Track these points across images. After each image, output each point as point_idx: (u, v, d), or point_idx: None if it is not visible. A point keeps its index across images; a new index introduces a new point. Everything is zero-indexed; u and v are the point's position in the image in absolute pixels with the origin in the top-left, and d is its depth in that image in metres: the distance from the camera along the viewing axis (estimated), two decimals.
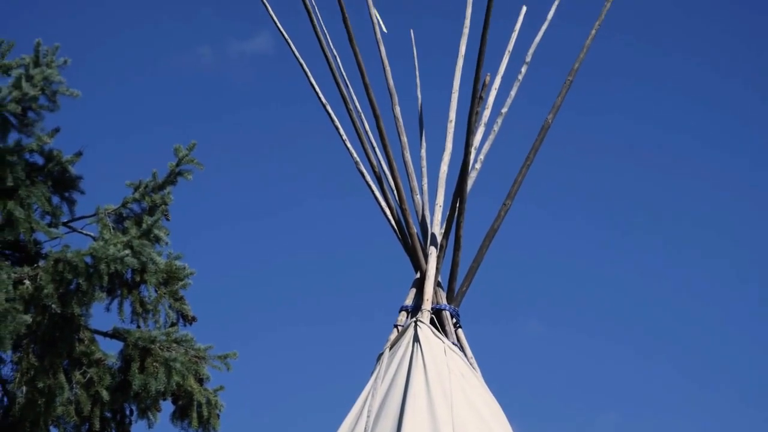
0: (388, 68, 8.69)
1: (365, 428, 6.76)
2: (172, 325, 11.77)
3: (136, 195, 11.76)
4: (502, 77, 8.69)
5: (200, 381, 11.54)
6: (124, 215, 11.79)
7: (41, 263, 11.15)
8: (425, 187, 8.30)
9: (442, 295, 7.67)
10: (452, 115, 8.44)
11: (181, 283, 11.78)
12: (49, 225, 11.49)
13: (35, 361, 11.05)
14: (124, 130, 26.30)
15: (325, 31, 8.62)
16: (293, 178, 26.56)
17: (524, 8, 9.11)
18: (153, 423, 11.65)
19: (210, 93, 27.27)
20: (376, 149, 8.29)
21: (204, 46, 28.05)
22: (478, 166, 8.20)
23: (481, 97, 7.35)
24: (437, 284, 7.70)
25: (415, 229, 7.92)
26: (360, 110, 8.45)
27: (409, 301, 7.69)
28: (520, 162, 8.08)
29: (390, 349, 7.34)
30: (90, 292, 10.94)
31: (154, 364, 11.27)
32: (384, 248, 22.97)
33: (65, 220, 11.84)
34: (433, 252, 7.79)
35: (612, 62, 25.04)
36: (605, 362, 24.29)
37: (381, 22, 8.89)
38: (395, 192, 8.05)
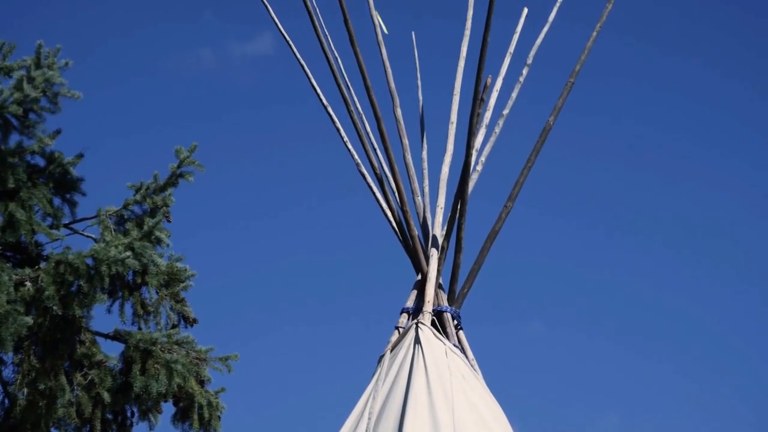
0: (389, 70, 8.69)
1: (366, 430, 6.75)
2: (173, 326, 11.76)
3: (138, 197, 11.75)
4: (504, 79, 8.69)
5: (201, 383, 11.53)
6: (126, 217, 11.79)
7: (42, 265, 11.15)
8: (426, 188, 8.30)
9: (443, 297, 7.67)
10: (453, 117, 8.44)
11: (182, 284, 11.78)
12: (51, 227, 11.49)
13: (36, 363, 11.05)
14: (126, 132, 26.34)
15: (326, 33, 8.62)
16: (294, 180, 26.58)
17: (525, 10, 9.11)
18: (154, 425, 11.65)
19: (211, 94, 27.29)
20: (377, 151, 8.28)
21: (205, 47, 28.06)
22: (479, 167, 8.20)
23: (482, 99, 7.35)
24: (438, 286, 7.70)
25: (416, 231, 7.92)
26: (361, 112, 8.45)
27: (410, 303, 7.69)
28: (522, 164, 8.08)
29: (391, 351, 7.34)
30: (91, 294, 10.93)
31: (156, 365, 11.26)
32: (385, 250, 22.98)
33: (66, 222, 11.83)
34: (434, 254, 7.79)
35: (613, 64, 25.06)
36: (606, 364, 24.30)
37: (382, 24, 8.90)
38: (396, 194, 8.05)
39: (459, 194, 7.66)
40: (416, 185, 8.29)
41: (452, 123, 8.42)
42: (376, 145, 8.31)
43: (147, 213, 11.72)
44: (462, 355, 7.28)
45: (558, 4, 9.03)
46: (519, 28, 8.97)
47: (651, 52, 25.83)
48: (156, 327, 11.72)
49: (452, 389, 6.85)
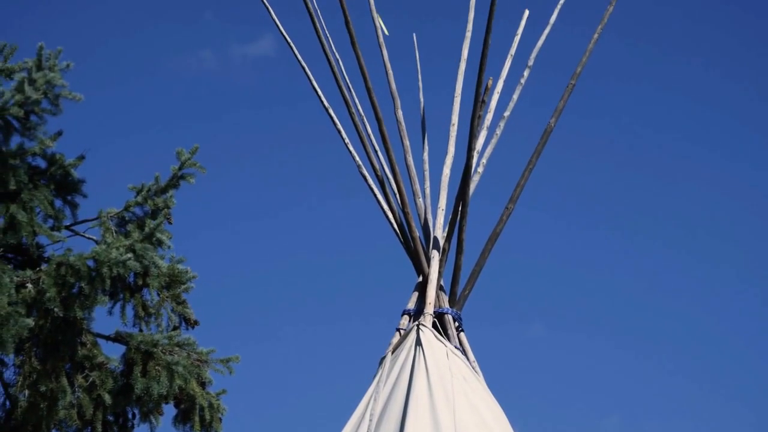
0: (390, 71, 8.69)
1: (367, 431, 6.76)
2: (175, 328, 11.76)
3: (139, 198, 11.75)
4: (505, 81, 8.69)
5: (202, 385, 11.53)
6: (127, 219, 11.78)
7: (44, 267, 11.14)
8: (427, 190, 8.30)
9: (445, 299, 7.67)
10: (455, 119, 8.45)
11: (183, 286, 11.78)
12: (52, 228, 11.49)
13: (37, 365, 11.05)
14: (126, 133, 26.34)
15: (327, 34, 8.63)
16: (295, 181, 26.58)
17: (527, 12, 9.11)
18: (155, 427, 11.65)
19: (212, 96, 27.30)
20: (379, 152, 8.29)
21: (206, 48, 28.06)
22: (480, 169, 8.20)
23: (483, 101, 7.35)
24: (439, 288, 7.70)
25: (417, 233, 7.92)
26: (362, 113, 8.46)
27: (411, 305, 7.69)
28: (523, 165, 8.08)
29: (392, 353, 7.34)
30: (92, 296, 10.93)
31: (157, 367, 11.26)
32: (386, 252, 22.98)
33: (68, 224, 11.83)
34: (435, 255, 7.79)
35: (614, 65, 25.06)
36: (607, 365, 24.29)
37: (383, 25, 8.90)
38: (397, 195, 8.05)
39: (460, 196, 7.66)
40: (417, 187, 8.29)
41: (453, 125, 8.42)
42: (377, 147, 8.32)
43: (148, 215, 11.72)
44: (463, 356, 7.28)
45: (559, 6, 9.03)
46: (520, 30, 8.98)
47: (652, 53, 25.85)
48: (157, 329, 11.71)
49: (453, 391, 6.85)
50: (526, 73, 8.66)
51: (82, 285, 10.84)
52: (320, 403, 22.08)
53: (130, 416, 11.65)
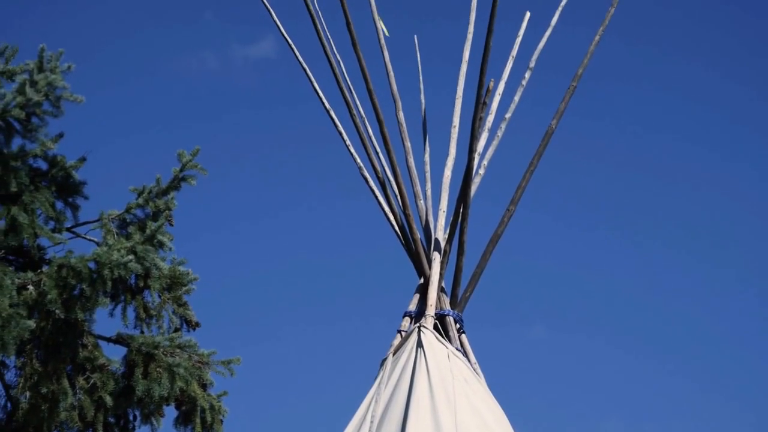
0: (391, 73, 8.70)
1: None
2: (176, 330, 11.75)
3: (140, 200, 11.74)
4: (506, 82, 8.69)
5: (204, 386, 11.53)
6: (128, 221, 11.78)
7: (45, 269, 11.14)
8: (429, 192, 8.31)
9: (446, 301, 7.67)
10: (456, 121, 8.45)
11: (184, 288, 11.77)
12: (53, 230, 11.49)
13: (39, 367, 11.04)
14: (128, 135, 26.34)
15: (329, 36, 8.63)
16: (296, 183, 26.59)
17: (528, 14, 9.12)
18: (156, 428, 11.64)
19: (213, 97, 27.30)
20: (380, 154, 8.29)
21: (207, 50, 28.06)
22: (481, 171, 8.21)
23: (484, 103, 7.35)
24: (441, 289, 7.70)
25: (418, 235, 7.92)
26: (363, 115, 8.46)
27: (412, 307, 7.69)
28: (524, 167, 8.08)
29: (393, 355, 7.34)
30: (93, 298, 10.93)
31: (158, 369, 11.26)
32: (387, 253, 22.98)
33: (69, 226, 11.82)
34: (436, 257, 7.79)
35: (615, 67, 25.06)
36: (608, 367, 24.28)
37: (384, 28, 8.90)
38: (399, 197, 8.05)
39: (461, 197, 7.66)
40: (418, 188, 8.29)
41: (454, 126, 8.42)
42: (378, 148, 8.32)
43: (149, 217, 11.71)
44: (464, 358, 7.28)
45: (560, 8, 9.04)
46: (521, 32, 8.98)
47: (653, 55, 25.85)
48: (158, 330, 11.71)
49: (454, 393, 6.85)
50: (527, 75, 8.66)
51: (84, 287, 10.84)
52: (321, 405, 22.09)
53: (131, 418, 11.64)
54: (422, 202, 8.23)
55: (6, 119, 11.32)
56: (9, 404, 11.46)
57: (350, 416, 7.08)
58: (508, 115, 8.49)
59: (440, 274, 7.72)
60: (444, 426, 6.62)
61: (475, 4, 9.08)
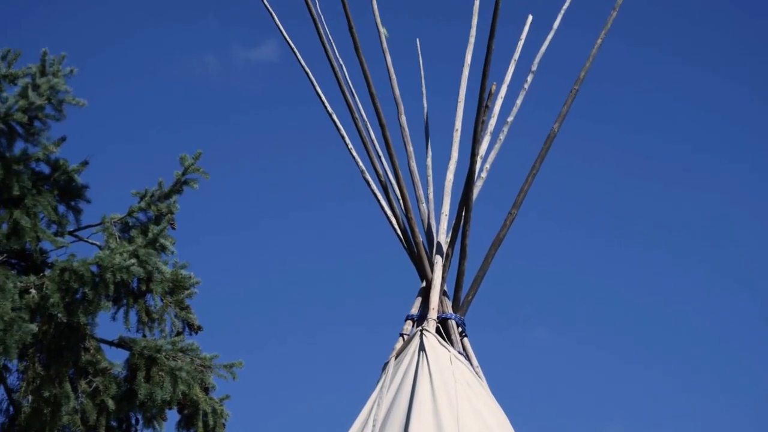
0: (393, 77, 8.69)
1: None
2: (178, 334, 11.76)
3: (142, 204, 11.75)
4: (508, 86, 8.69)
5: (206, 390, 11.53)
6: (130, 224, 11.78)
7: (47, 272, 11.14)
8: (431, 195, 8.30)
9: (448, 304, 7.67)
10: (458, 124, 8.45)
11: (186, 292, 11.78)
12: (55, 234, 11.50)
13: (41, 370, 11.05)
14: (130, 139, 26.34)
15: (331, 40, 8.64)
16: (299, 187, 26.59)
17: (530, 17, 9.12)
18: None
19: (215, 101, 27.32)
20: (382, 158, 8.29)
21: (210, 53, 28.09)
22: (484, 174, 8.20)
23: (487, 106, 7.35)
24: (443, 293, 7.69)
25: (420, 238, 7.92)
26: (366, 119, 8.46)
27: (414, 310, 7.68)
28: (526, 171, 8.08)
29: (396, 358, 7.34)
30: (96, 302, 10.93)
31: (160, 373, 11.26)
32: (389, 257, 22.99)
33: (71, 229, 11.83)
34: (438, 261, 7.79)
35: (617, 71, 25.05)
36: (611, 371, 24.27)
37: (384, 30, 8.89)
38: (401, 201, 8.05)
39: (463, 201, 7.66)
40: (421, 192, 8.29)
41: (457, 130, 8.42)
42: (380, 152, 8.32)
43: (152, 220, 11.72)
44: (467, 362, 7.27)
45: (562, 12, 9.04)
46: (523, 36, 8.98)
47: (656, 59, 25.85)
48: (160, 334, 11.71)
49: (457, 396, 6.84)
50: (529, 79, 8.66)
51: (86, 290, 10.85)
52: (323, 409, 22.09)
53: (133, 422, 11.64)
54: (424, 205, 8.23)
55: (8, 123, 11.33)
56: (11, 408, 11.47)
57: (352, 420, 7.07)
58: (510, 119, 8.49)
59: (442, 277, 7.71)
60: (446, 429, 6.62)
61: (477, 8, 9.08)
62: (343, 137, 8.56)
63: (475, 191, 7.91)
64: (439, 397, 6.80)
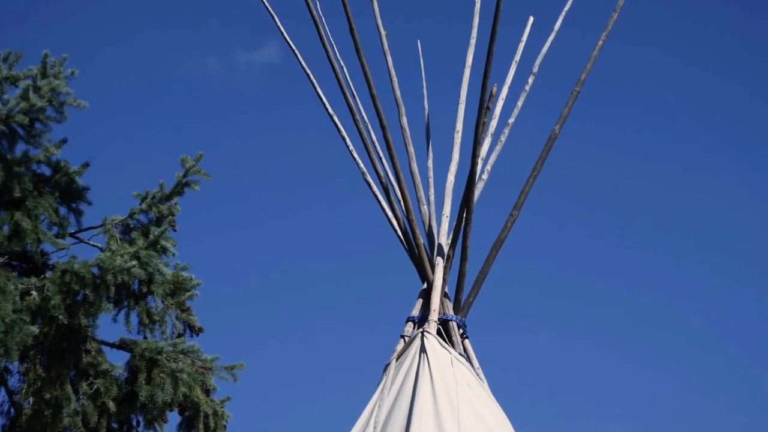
0: (394, 79, 8.69)
1: None
2: (179, 336, 11.76)
3: (143, 206, 11.76)
4: (509, 87, 8.69)
5: (207, 392, 11.53)
6: (131, 226, 11.80)
7: (48, 274, 11.15)
8: (432, 197, 8.30)
9: (449, 306, 7.66)
10: (459, 126, 8.44)
11: (187, 293, 11.78)
12: (56, 236, 11.51)
13: (42, 372, 11.05)
14: (131, 141, 26.34)
15: (332, 41, 8.63)
16: (300, 188, 26.59)
17: (531, 19, 9.11)
18: None
19: (217, 102, 27.32)
20: (383, 160, 8.29)
21: (211, 55, 28.08)
22: (485, 176, 8.20)
23: (488, 108, 7.34)
24: (444, 295, 7.69)
25: (421, 240, 7.91)
26: (367, 120, 8.45)
27: (415, 312, 7.68)
28: (527, 172, 8.07)
29: (396, 360, 7.33)
30: (97, 303, 10.94)
31: (161, 375, 11.26)
32: (390, 258, 22.98)
33: (72, 231, 11.85)
34: (439, 262, 7.78)
35: (619, 72, 25.04)
36: (612, 373, 24.25)
37: (383, 32, 8.89)
38: (402, 202, 8.04)
39: (465, 203, 7.65)
40: (422, 194, 8.28)
41: (458, 131, 8.42)
42: (381, 154, 8.31)
43: (153, 222, 11.73)
44: (468, 363, 7.27)
45: (564, 13, 9.03)
46: (525, 37, 8.98)
47: (657, 60, 25.83)
48: (161, 336, 11.72)
49: (458, 398, 6.84)
50: (530, 80, 8.66)
51: (87, 292, 10.85)
52: (324, 411, 22.06)
53: (134, 423, 11.65)
54: (425, 207, 8.22)
55: (9, 125, 11.35)
56: (12, 410, 11.47)
57: (353, 422, 7.07)
58: (511, 120, 8.49)
59: (443, 279, 7.71)
60: (447, 431, 6.61)
61: (479, 9, 9.08)
62: (344, 138, 8.56)
63: (476, 193, 7.90)
64: (440, 398, 6.79)
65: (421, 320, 7.54)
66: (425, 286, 7.77)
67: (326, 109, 8.68)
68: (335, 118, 8.63)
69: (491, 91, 7.25)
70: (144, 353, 11.37)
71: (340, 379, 23.19)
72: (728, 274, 25.33)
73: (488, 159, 8.29)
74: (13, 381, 11.44)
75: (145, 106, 27.22)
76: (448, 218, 8.04)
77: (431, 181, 8.40)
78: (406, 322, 7.62)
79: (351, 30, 8.23)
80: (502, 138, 8.42)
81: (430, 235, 8.04)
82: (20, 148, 11.52)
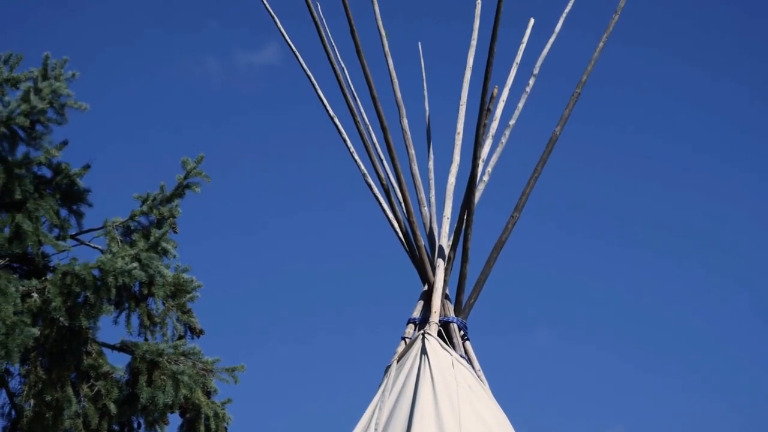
0: (395, 80, 8.68)
1: None
2: (180, 338, 11.76)
3: (144, 208, 11.76)
4: (510, 89, 8.68)
5: (208, 394, 11.53)
6: (132, 228, 11.80)
7: (49, 276, 11.15)
8: (433, 199, 8.29)
9: (450, 308, 7.66)
10: (460, 127, 8.44)
11: (188, 295, 11.78)
12: (57, 238, 11.51)
13: (43, 374, 11.05)
14: (132, 142, 26.35)
15: (333, 43, 8.63)
16: (300, 190, 26.60)
17: (532, 20, 9.11)
18: None
19: (217, 104, 27.33)
20: (384, 161, 8.29)
21: (211, 56, 28.09)
22: (485, 178, 8.19)
23: (488, 109, 7.34)
24: (445, 296, 7.68)
25: (422, 242, 7.91)
26: (367, 122, 8.45)
27: (416, 314, 7.67)
28: (528, 174, 8.07)
29: (397, 362, 7.33)
30: (98, 305, 10.94)
31: (162, 377, 11.26)
32: (391, 260, 22.97)
33: (73, 233, 11.85)
34: (440, 264, 7.78)
35: (620, 74, 25.05)
36: (613, 375, 24.24)
37: (383, 33, 8.89)
38: (403, 204, 8.04)
39: (465, 204, 7.65)
40: (423, 195, 8.28)
41: (459, 133, 8.41)
42: (382, 155, 8.31)
43: (153, 224, 11.73)
44: (468, 365, 7.26)
45: (564, 15, 9.02)
46: (525, 39, 8.97)
47: (658, 61, 25.83)
48: (162, 338, 11.72)
49: (459, 400, 6.84)
50: (531, 82, 8.65)
51: (88, 294, 10.85)
52: (325, 413, 22.06)
53: (135, 426, 11.65)
54: (426, 209, 8.22)
55: (10, 127, 11.35)
56: (13, 412, 11.47)
57: (354, 423, 7.06)
58: (512, 122, 8.48)
59: (444, 281, 7.70)
60: None
61: (479, 11, 9.08)
62: (344, 140, 8.56)
63: (477, 194, 7.90)
64: (441, 400, 6.79)
65: (422, 322, 7.53)
66: (426, 287, 7.76)
67: (327, 110, 8.68)
68: (336, 119, 8.63)
69: (492, 93, 7.25)
70: (145, 355, 11.37)
71: (340, 381, 23.21)
72: (728, 275, 25.35)
73: (489, 160, 8.29)
74: (14, 383, 11.44)
75: (145, 106, 27.24)
76: (449, 220, 8.04)
77: (432, 182, 8.40)
78: (407, 323, 7.62)
79: (352, 31, 8.22)
80: (503, 139, 8.41)
81: (430, 237, 8.04)
82: (21, 150, 11.53)
